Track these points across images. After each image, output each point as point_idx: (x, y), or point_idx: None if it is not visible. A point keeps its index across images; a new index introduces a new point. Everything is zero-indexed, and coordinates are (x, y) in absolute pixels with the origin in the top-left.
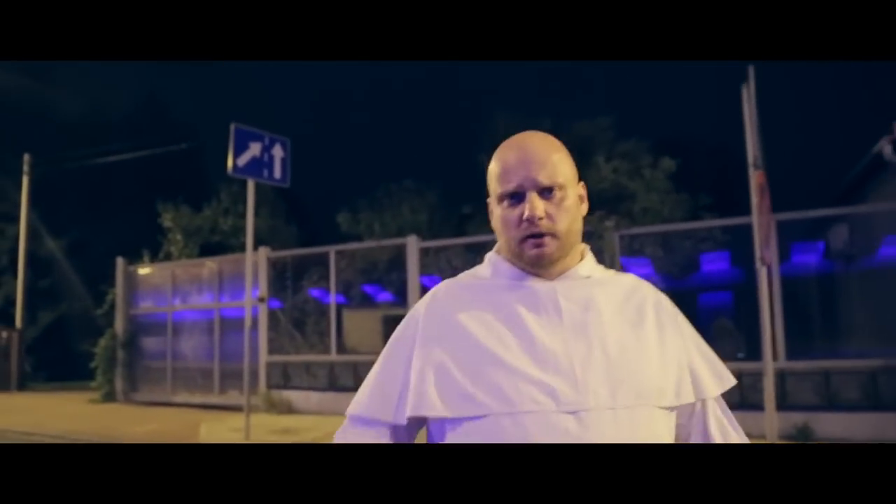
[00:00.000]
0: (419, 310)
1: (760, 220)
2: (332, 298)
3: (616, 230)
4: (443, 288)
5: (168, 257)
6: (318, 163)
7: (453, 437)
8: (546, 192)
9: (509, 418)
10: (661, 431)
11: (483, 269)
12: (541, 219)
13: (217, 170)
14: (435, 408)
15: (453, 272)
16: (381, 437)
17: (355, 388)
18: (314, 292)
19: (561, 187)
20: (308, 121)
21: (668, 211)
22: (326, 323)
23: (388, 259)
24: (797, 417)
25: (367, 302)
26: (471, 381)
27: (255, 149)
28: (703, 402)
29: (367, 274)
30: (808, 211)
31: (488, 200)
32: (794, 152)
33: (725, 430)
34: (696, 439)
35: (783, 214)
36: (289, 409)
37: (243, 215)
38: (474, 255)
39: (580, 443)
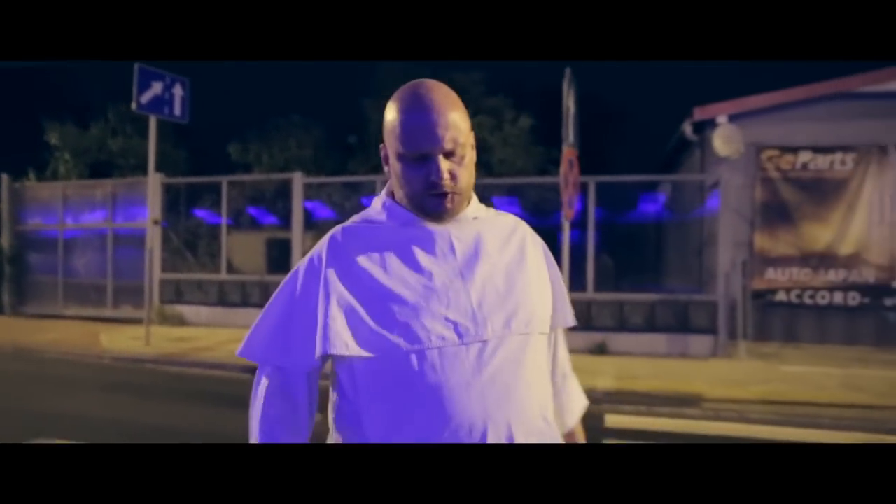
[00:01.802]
0: (320, 254)
1: (566, 187)
2: (224, 224)
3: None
4: (340, 232)
5: (55, 175)
6: (208, 94)
7: (362, 375)
8: (450, 154)
9: (418, 354)
10: (543, 355)
11: (376, 213)
12: (447, 180)
13: (100, 88)
14: (347, 347)
15: (333, 204)
16: (293, 378)
17: (242, 304)
18: (202, 213)
19: (462, 146)
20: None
21: (522, 163)
22: (217, 245)
23: (275, 189)
24: (598, 336)
25: (253, 224)
26: (379, 320)
27: (156, 87)
28: (556, 330)
29: (255, 200)
30: (624, 175)
31: (382, 146)
32: (633, 128)
33: (565, 356)
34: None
35: (604, 177)
36: (181, 322)
37: (132, 136)
38: (351, 191)
39: (484, 371)
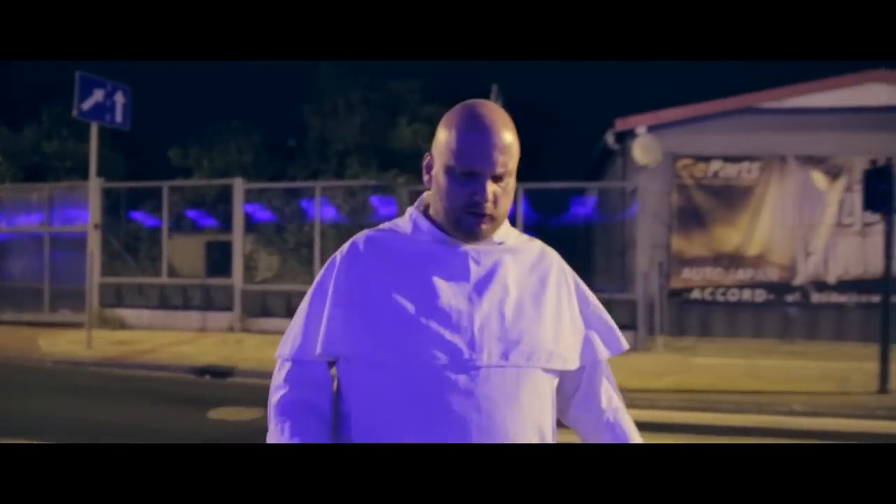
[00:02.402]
0: (339, 257)
1: None
2: (165, 228)
3: (406, 186)
4: (363, 239)
5: None
6: (147, 99)
7: (351, 380)
8: (498, 178)
9: (406, 370)
10: (544, 391)
11: (403, 224)
12: (490, 202)
13: (31, 89)
14: (339, 349)
15: (273, 209)
16: (314, 373)
17: (184, 307)
18: (142, 216)
19: (509, 173)
20: (143, 62)
21: None
22: (158, 249)
23: (216, 193)
24: None
25: (192, 227)
26: (376, 330)
27: (98, 95)
28: (594, 364)
29: (195, 204)
30: (552, 182)
31: (428, 157)
32: (566, 134)
33: (609, 391)
34: (581, 394)
35: (532, 184)
36: (121, 326)
37: (67, 139)
38: (291, 196)
39: (471, 397)
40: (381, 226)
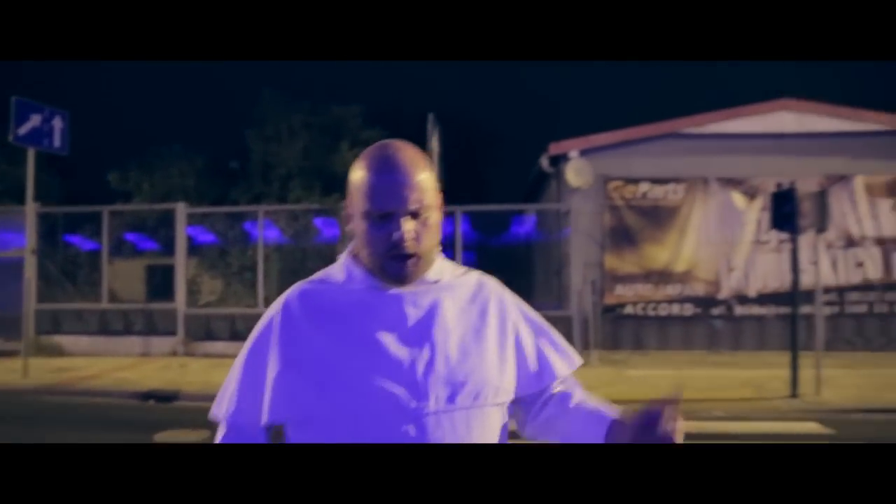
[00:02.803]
0: (273, 317)
1: None
2: (105, 253)
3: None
4: (296, 295)
5: None
6: (85, 121)
7: (301, 441)
8: (415, 214)
9: (355, 428)
10: (494, 427)
11: (337, 273)
12: (410, 241)
13: None
14: (287, 416)
15: (216, 232)
16: (253, 439)
17: (125, 333)
18: (77, 239)
19: (427, 208)
20: (84, 86)
21: None
22: (98, 274)
23: (157, 217)
24: None
25: (132, 250)
26: (319, 391)
27: (35, 120)
28: (560, 381)
29: (136, 228)
30: (488, 205)
31: (347, 206)
32: (507, 155)
33: (584, 396)
34: (551, 412)
35: (470, 206)
36: (59, 353)
37: None
38: (233, 220)
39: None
40: (314, 276)
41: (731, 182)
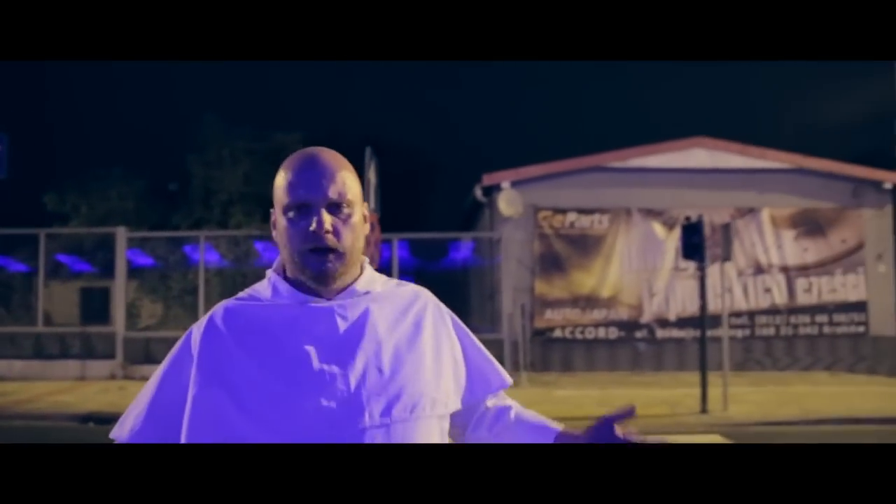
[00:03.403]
0: (195, 337)
1: (368, 247)
2: (41, 276)
3: None
4: (221, 312)
5: None
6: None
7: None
8: (334, 207)
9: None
10: (433, 437)
11: (263, 289)
12: (328, 232)
13: None
14: (210, 437)
15: (157, 256)
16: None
17: (61, 356)
18: (6, 261)
19: (349, 204)
20: (20, 107)
21: None
22: (32, 297)
23: (95, 240)
24: None
25: (67, 273)
26: (245, 412)
27: None
28: (495, 395)
29: (72, 250)
30: (423, 233)
31: (272, 211)
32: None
33: (521, 409)
34: (487, 425)
35: (406, 234)
36: None
37: None
38: (174, 244)
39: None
40: (240, 294)
41: (651, 213)
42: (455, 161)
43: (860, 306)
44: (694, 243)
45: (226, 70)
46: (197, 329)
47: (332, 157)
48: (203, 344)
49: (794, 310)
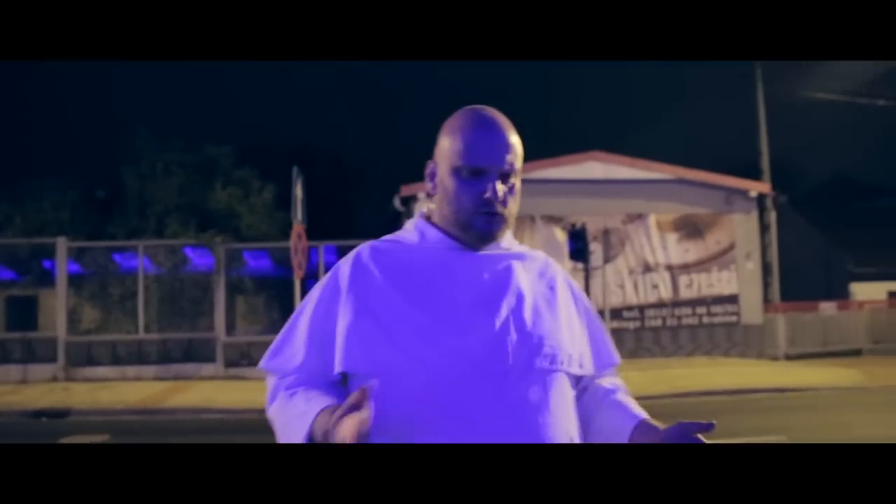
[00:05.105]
0: (344, 271)
1: (296, 254)
2: None
3: (223, 245)
4: (367, 250)
5: None
6: None
7: (380, 395)
8: (505, 176)
9: (429, 380)
10: (569, 396)
11: (407, 234)
12: (499, 201)
13: None
14: (362, 365)
15: (96, 267)
16: (321, 388)
17: (1, 361)
18: None
19: (517, 174)
20: None
21: (266, 228)
22: None
23: (30, 250)
24: None
25: None
26: (394, 342)
27: None
28: (611, 369)
29: (4, 261)
30: (352, 240)
31: (431, 164)
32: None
33: (626, 394)
34: (598, 400)
35: (330, 241)
36: None
37: None
38: (110, 254)
39: (498, 404)
40: (384, 237)
41: (552, 219)
42: (381, 168)
43: (733, 299)
44: (579, 247)
45: (157, 81)
46: (346, 264)
47: (505, 123)
48: (352, 278)
49: (677, 303)
